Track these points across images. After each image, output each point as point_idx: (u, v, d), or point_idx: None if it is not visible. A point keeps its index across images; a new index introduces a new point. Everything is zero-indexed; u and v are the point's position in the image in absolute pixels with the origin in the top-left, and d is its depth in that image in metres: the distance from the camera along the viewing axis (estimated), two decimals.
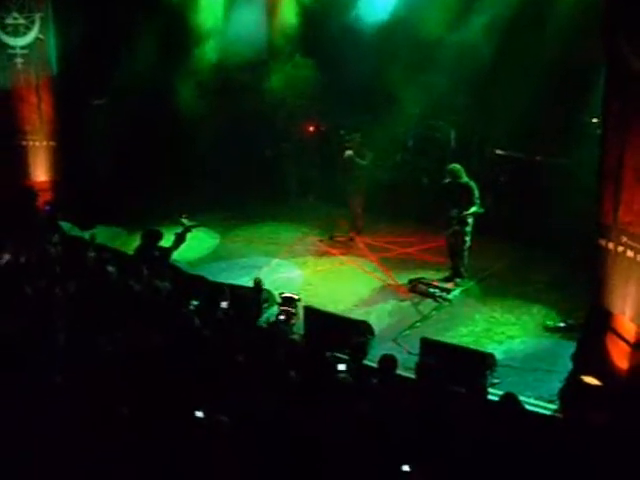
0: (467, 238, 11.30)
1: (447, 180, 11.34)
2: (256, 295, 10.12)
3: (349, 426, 6.69)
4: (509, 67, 12.67)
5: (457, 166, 11.27)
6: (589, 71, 10.50)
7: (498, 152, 13.51)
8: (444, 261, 11.84)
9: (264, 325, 9.62)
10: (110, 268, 9.64)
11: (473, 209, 11.13)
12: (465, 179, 11.18)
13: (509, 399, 7.13)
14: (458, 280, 11.51)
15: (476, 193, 11.10)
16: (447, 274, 11.63)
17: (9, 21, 13.65)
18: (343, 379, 7.46)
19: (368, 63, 13.91)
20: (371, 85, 14.01)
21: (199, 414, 6.49)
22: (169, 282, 9.55)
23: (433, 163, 14.00)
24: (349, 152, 13.07)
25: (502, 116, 12.86)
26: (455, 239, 11.36)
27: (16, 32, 13.71)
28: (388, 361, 7.75)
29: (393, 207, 13.83)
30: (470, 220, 11.19)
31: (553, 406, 8.35)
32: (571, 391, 8.20)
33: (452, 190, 11.27)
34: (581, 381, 8.09)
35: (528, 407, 7.77)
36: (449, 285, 11.41)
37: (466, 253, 11.45)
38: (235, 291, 9.86)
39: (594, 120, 11.40)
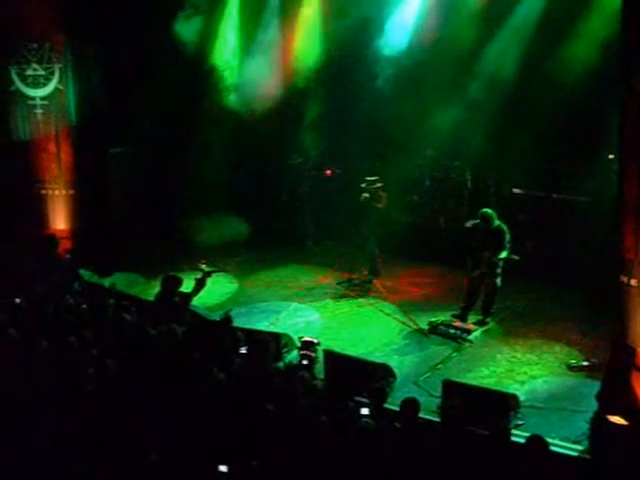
0: (498, 279, 11.28)
1: (472, 223, 11.37)
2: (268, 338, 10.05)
3: (372, 471, 6.60)
4: (524, 106, 12.73)
5: (489, 211, 11.23)
6: (606, 108, 10.52)
7: (516, 191, 13.52)
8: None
9: (285, 370, 9.53)
10: (127, 316, 9.60)
11: (504, 253, 11.08)
12: (497, 223, 11.15)
13: (536, 442, 6.99)
14: (488, 319, 11.49)
15: (507, 237, 11.06)
16: (471, 315, 11.56)
17: (29, 72, 13.87)
18: (366, 424, 7.38)
19: (384, 104, 14.04)
20: (387, 127, 14.09)
21: (223, 468, 6.39)
22: (188, 327, 9.53)
23: (450, 203, 14.06)
24: (365, 195, 13.10)
25: (519, 155, 12.90)
26: (480, 281, 11.35)
27: (36, 83, 13.92)
28: (411, 405, 7.67)
29: (411, 248, 13.80)
30: (500, 263, 11.16)
31: (579, 447, 8.21)
32: (597, 431, 8.08)
33: (481, 233, 11.22)
34: (607, 421, 7.98)
35: (553, 448, 7.62)
36: (470, 326, 11.34)
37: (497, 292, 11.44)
38: (253, 336, 9.82)
39: (611, 156, 11.40)
